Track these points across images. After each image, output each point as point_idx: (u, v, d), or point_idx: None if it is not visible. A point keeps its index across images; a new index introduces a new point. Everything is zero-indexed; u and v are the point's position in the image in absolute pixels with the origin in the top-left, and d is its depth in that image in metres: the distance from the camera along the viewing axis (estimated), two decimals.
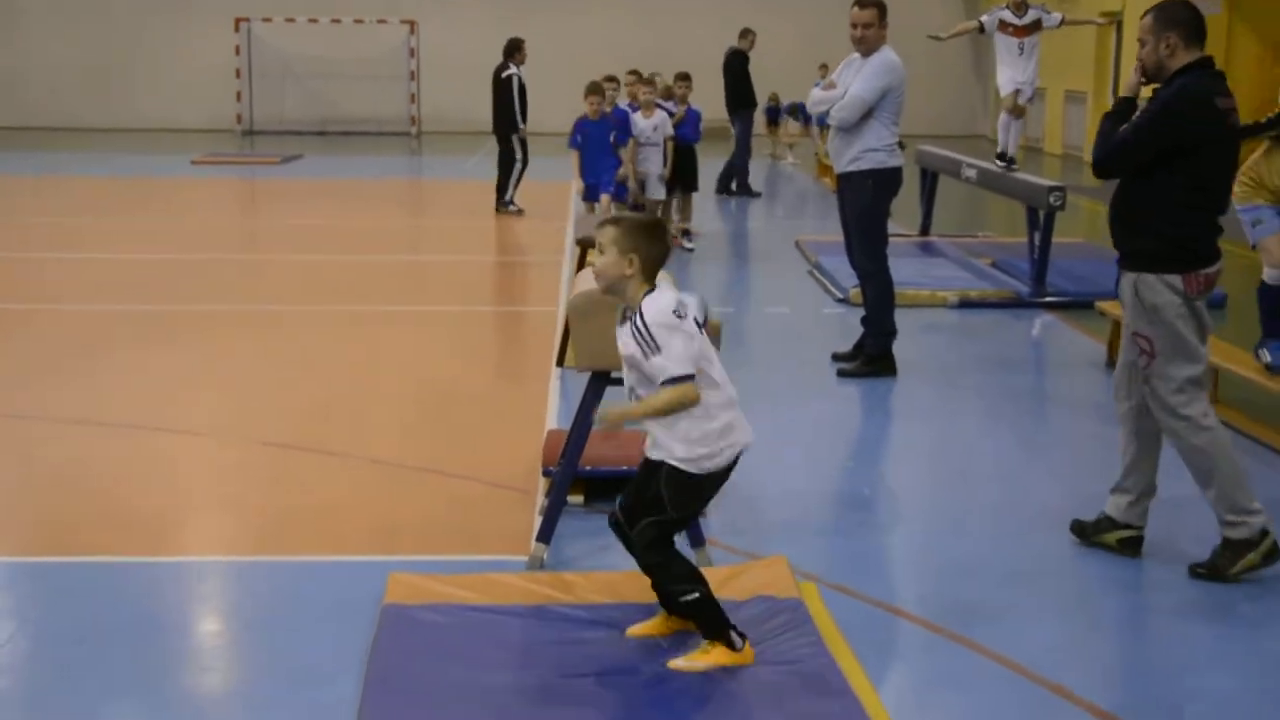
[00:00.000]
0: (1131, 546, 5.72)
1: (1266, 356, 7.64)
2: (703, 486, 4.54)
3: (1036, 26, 13.11)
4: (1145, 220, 5.50)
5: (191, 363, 9.01)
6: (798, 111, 24.82)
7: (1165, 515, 5.89)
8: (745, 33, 19.17)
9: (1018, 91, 13.09)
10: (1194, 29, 5.45)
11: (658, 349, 4.38)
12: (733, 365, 9.31)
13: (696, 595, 4.43)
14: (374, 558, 5.52)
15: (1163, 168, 5.41)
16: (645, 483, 4.55)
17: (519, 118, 16.67)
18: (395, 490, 6.49)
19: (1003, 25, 13.00)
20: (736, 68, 18.82)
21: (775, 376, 9.04)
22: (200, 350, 9.37)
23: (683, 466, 4.46)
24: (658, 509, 4.46)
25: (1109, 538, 5.74)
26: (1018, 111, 13.20)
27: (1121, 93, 5.71)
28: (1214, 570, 5.47)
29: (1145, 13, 5.54)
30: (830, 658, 4.50)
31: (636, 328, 4.40)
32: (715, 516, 6.01)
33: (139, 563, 5.60)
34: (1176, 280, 5.42)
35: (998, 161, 12.81)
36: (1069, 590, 5.51)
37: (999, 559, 5.72)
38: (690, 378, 4.41)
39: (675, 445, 4.46)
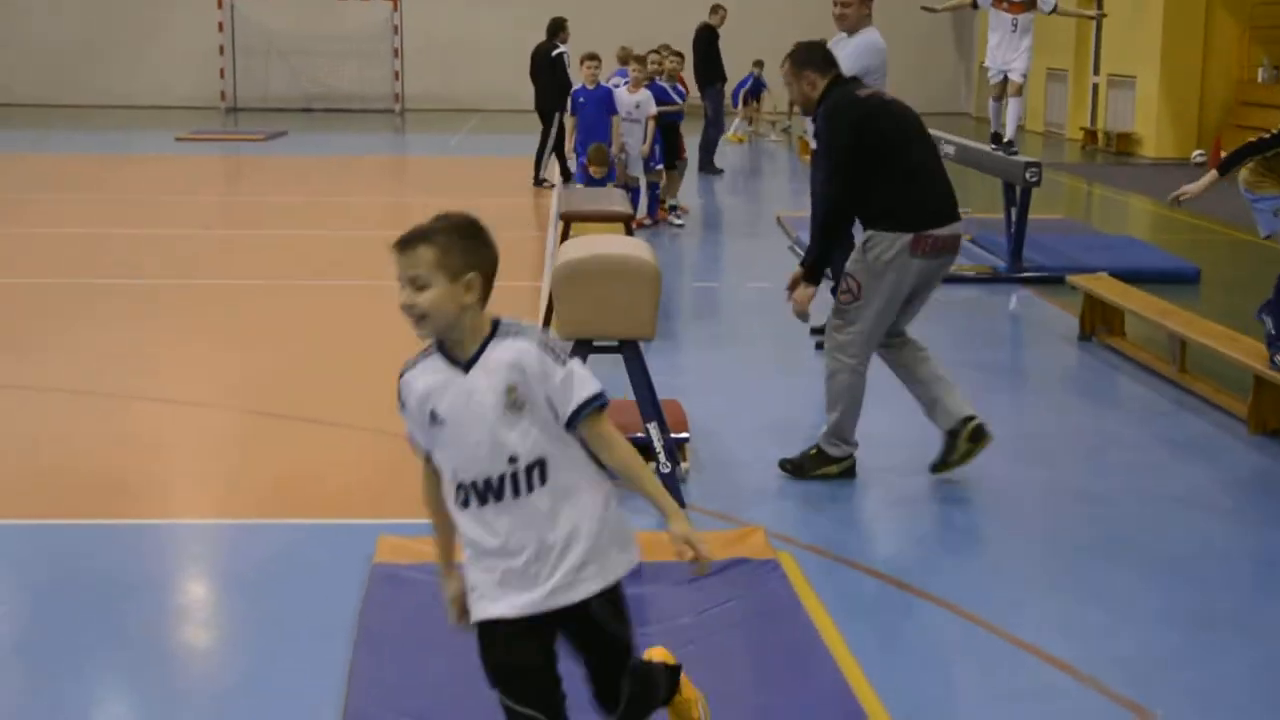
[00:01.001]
0: (980, 434, 6.20)
1: None
2: None
3: (1031, 4, 12.31)
4: (871, 199, 6.06)
5: (179, 335, 9.16)
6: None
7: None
8: (715, 8, 19.35)
9: (1006, 73, 12.45)
10: (824, 59, 6.26)
11: (567, 355, 3.24)
12: (714, 340, 9.55)
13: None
14: (364, 521, 5.69)
15: (860, 167, 6.01)
16: (598, 643, 3.31)
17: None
18: (385, 457, 6.65)
19: (997, 1, 12.32)
20: (706, 42, 18.95)
21: (756, 349, 9.25)
22: (188, 322, 9.53)
23: (625, 571, 3.30)
24: (630, 644, 3.37)
25: (959, 447, 6.24)
26: (1013, 90, 12.41)
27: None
28: (799, 468, 6.31)
29: (782, 62, 6.31)
30: (804, 614, 4.68)
31: (537, 340, 3.19)
32: (694, 483, 6.20)
33: (136, 525, 5.78)
34: (906, 238, 5.94)
35: (992, 144, 12.26)
36: (1037, 550, 5.69)
37: (969, 521, 5.91)
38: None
39: (615, 540, 3.28)
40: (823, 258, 6.25)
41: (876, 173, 6.00)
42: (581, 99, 13.38)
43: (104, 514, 5.87)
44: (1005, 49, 12.44)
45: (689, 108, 15.00)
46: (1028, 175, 11.06)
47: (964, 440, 6.19)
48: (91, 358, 8.47)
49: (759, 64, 25.39)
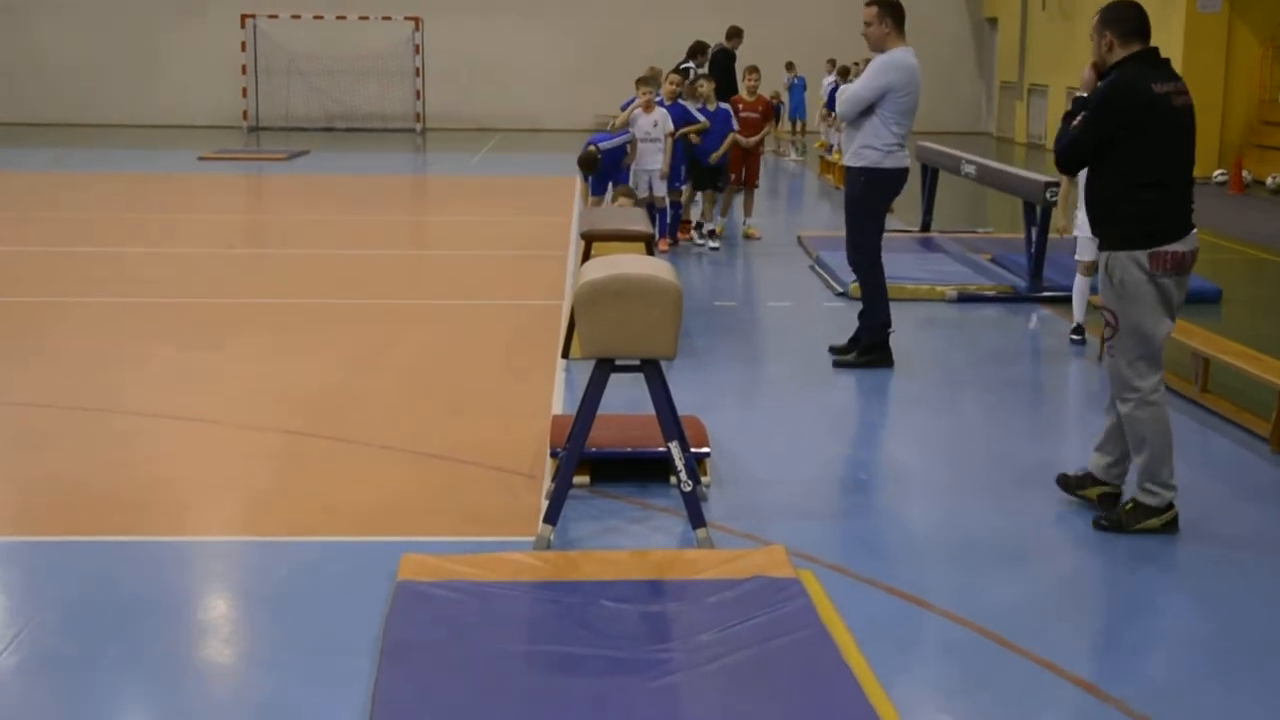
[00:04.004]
0: (1108, 502, 6.16)
1: None
2: None
3: None
4: (1110, 203, 5.94)
5: (203, 354, 9.21)
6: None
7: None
8: (733, 33, 19.42)
9: (1088, 243, 9.62)
10: (1130, 26, 5.90)
11: None
12: (736, 357, 9.56)
13: None
14: (387, 539, 5.72)
15: (1116, 153, 5.84)
16: None
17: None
18: (406, 475, 6.69)
19: None
20: (722, 65, 19.02)
21: (776, 368, 9.27)
22: (212, 342, 9.57)
23: None
24: None
25: (1090, 492, 6.22)
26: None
27: (1079, 91, 5.98)
28: (1117, 524, 5.98)
29: (1094, 16, 6.03)
30: (826, 632, 4.68)
31: None
32: (715, 500, 6.22)
33: (161, 542, 5.81)
34: (1143, 257, 5.82)
35: (1073, 336, 9.88)
36: (1060, 569, 5.69)
37: (991, 540, 5.90)
38: None
39: None
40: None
41: (1120, 171, 5.84)
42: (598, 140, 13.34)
43: (129, 531, 5.91)
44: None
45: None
46: (1048, 195, 11.06)
47: (1092, 492, 6.23)
48: (112, 376, 8.52)
49: (775, 96, 25.55)
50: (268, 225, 17.13)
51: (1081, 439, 7.68)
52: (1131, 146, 5.80)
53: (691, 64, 16.89)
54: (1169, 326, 5.95)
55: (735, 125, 14.07)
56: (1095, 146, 5.86)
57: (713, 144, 13.91)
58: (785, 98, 25.75)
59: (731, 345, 9.87)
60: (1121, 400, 6.00)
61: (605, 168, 13.18)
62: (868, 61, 9.08)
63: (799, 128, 26.64)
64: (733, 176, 14.34)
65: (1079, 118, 5.99)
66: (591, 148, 13.04)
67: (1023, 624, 5.00)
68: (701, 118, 13.84)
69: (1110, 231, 5.96)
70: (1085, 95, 6.00)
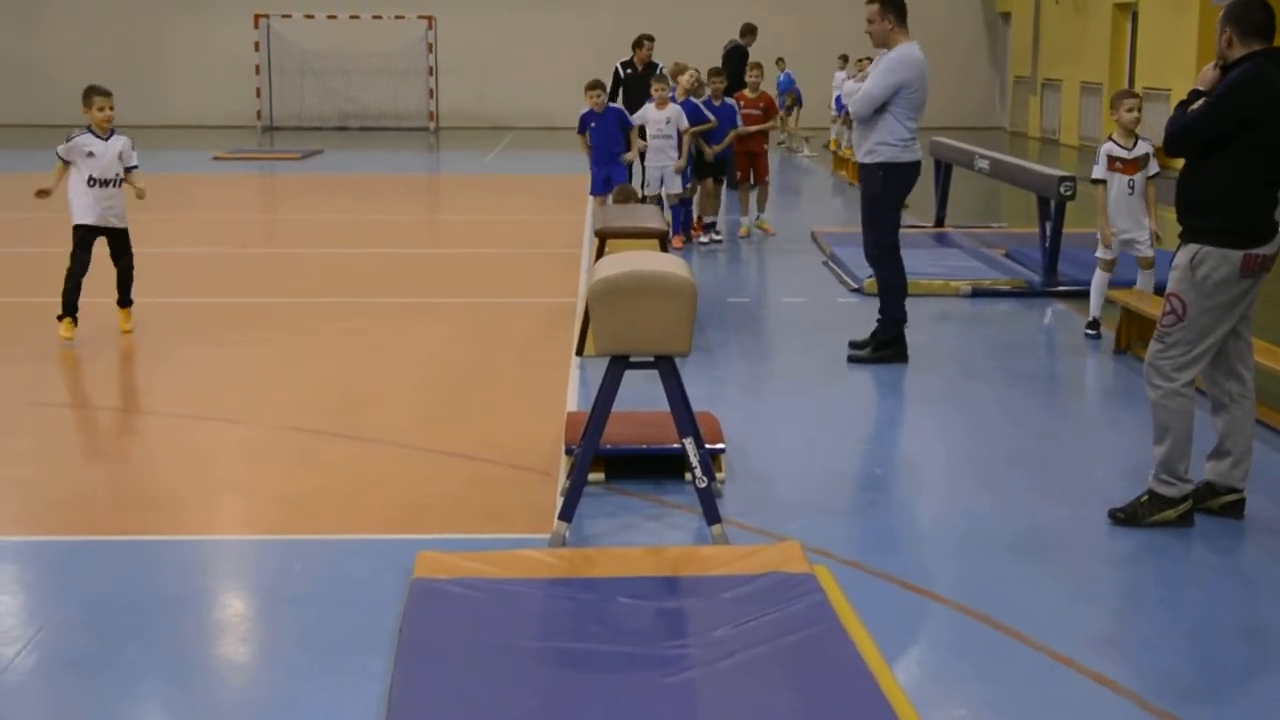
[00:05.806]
0: (1234, 509, 6.05)
1: None
2: None
3: (1146, 162, 9.68)
4: (1215, 197, 5.82)
5: (220, 353, 9.23)
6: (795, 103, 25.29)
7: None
8: (748, 30, 19.39)
9: (1129, 243, 9.70)
10: (1251, 24, 5.80)
11: None
12: (750, 353, 9.57)
13: None
14: (402, 536, 5.74)
15: (1232, 147, 5.76)
16: None
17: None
18: (422, 473, 6.71)
19: (1111, 162, 9.70)
20: (735, 61, 18.99)
21: (790, 363, 9.27)
22: (228, 341, 9.60)
23: None
24: None
25: (1212, 504, 6.05)
26: (1146, 263, 9.74)
27: (1195, 85, 6.00)
28: (1132, 516, 5.96)
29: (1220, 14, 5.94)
30: (841, 627, 4.68)
31: None
32: (730, 496, 6.22)
33: (179, 541, 5.84)
34: (1237, 257, 5.76)
35: (1088, 330, 9.88)
36: (1076, 563, 5.68)
37: (1007, 535, 5.90)
38: None
39: None
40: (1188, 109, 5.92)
41: (1235, 165, 5.75)
42: (593, 123, 13.30)
43: (147, 530, 5.94)
44: (1122, 218, 9.73)
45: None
46: (1062, 189, 11.05)
47: (1215, 503, 6.08)
48: (128, 375, 8.56)
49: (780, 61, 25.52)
50: (282, 224, 17.16)
51: (1097, 432, 7.68)
52: (1248, 142, 5.73)
53: (743, 43, 17.05)
54: (1228, 328, 5.90)
55: (739, 122, 14.10)
56: (1216, 136, 5.77)
57: (717, 138, 13.99)
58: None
59: (745, 341, 9.88)
60: (1152, 386, 5.96)
61: (596, 143, 13.14)
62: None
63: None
64: (739, 174, 14.37)
65: (1199, 103, 5.88)
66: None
67: (1038, 618, 5.00)
68: (712, 116, 13.87)
69: (1208, 226, 5.80)
70: (1202, 89, 5.98)
